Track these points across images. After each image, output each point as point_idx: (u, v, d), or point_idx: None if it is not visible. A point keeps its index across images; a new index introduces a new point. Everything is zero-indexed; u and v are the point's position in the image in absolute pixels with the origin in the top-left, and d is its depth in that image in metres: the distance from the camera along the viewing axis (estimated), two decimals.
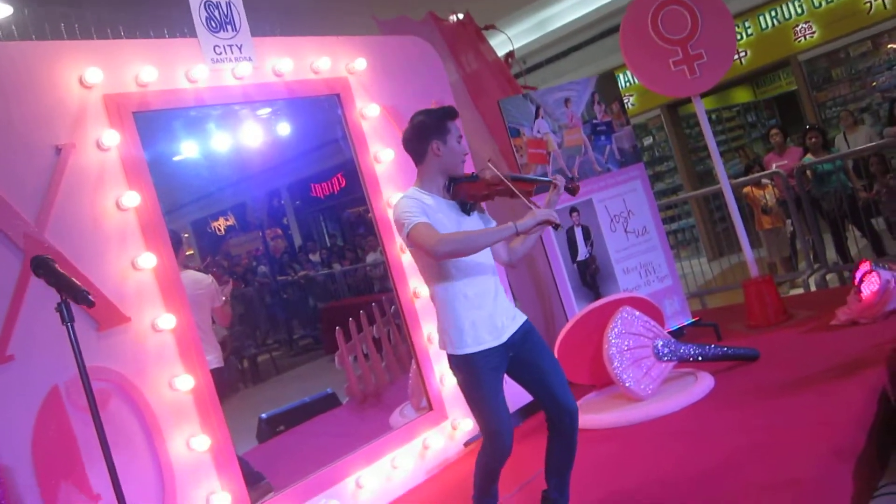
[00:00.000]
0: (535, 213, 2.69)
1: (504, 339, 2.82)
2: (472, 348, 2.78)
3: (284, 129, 5.03)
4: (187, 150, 5.28)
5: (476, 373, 2.79)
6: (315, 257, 9.44)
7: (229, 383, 6.97)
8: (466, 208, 2.91)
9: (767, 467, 3.05)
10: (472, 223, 2.90)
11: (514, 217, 2.76)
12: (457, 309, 2.80)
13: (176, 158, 5.58)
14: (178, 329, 3.34)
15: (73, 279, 2.34)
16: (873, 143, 6.72)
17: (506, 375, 2.91)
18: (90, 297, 2.26)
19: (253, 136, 4.98)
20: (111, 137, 3.26)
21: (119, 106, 3.33)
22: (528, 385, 2.92)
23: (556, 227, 2.69)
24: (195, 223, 10.35)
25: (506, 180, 2.83)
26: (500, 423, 2.82)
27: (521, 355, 2.87)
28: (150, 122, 3.73)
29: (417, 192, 2.87)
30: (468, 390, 2.85)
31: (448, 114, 2.92)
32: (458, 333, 2.79)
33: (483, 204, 3.01)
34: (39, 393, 2.92)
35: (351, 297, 8.40)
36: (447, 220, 2.81)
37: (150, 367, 3.24)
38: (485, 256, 2.88)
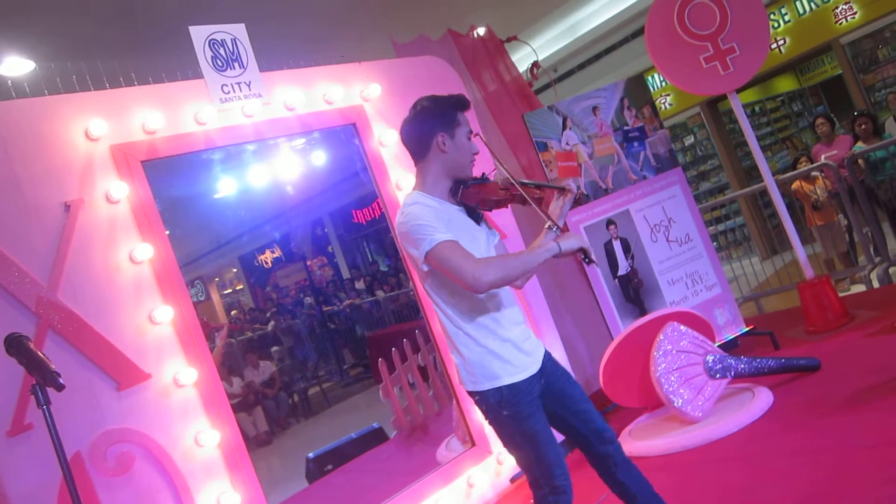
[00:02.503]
0: (580, 236, 2.34)
1: (539, 364, 2.45)
2: (515, 376, 2.35)
3: (320, 157, 4.98)
4: (227, 186, 5.27)
5: (525, 404, 2.35)
6: (360, 284, 9.37)
7: (279, 420, 6.95)
8: (477, 216, 2.50)
9: (836, 496, 2.77)
10: (482, 234, 2.50)
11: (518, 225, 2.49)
12: (489, 334, 2.38)
13: (217, 196, 5.59)
14: (202, 382, 3.22)
15: (45, 360, 2.17)
16: None
17: None
18: (60, 380, 2.12)
19: (290, 168, 4.95)
20: (120, 189, 3.18)
21: (126, 156, 3.25)
22: (559, 418, 2.46)
23: (589, 260, 2.36)
24: (242, 258, 10.44)
25: (517, 185, 2.46)
26: (559, 459, 2.38)
27: (550, 386, 2.46)
28: (186, 162, 3.66)
29: (424, 197, 2.41)
30: (518, 429, 2.36)
31: (458, 102, 2.47)
32: (493, 363, 2.36)
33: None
34: None
35: (397, 323, 8.30)
36: (463, 232, 2.39)
37: (175, 425, 3.14)
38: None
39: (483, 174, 2.56)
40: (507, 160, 5.18)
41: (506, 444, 2.45)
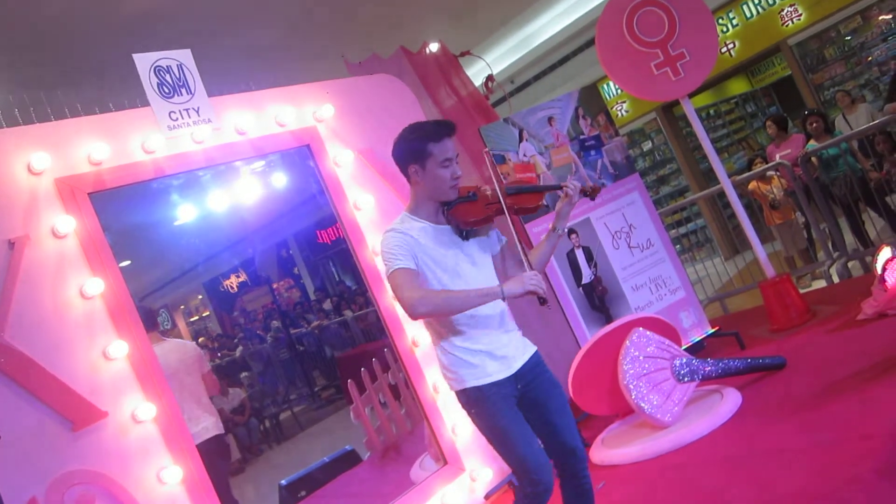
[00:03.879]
0: (524, 281, 2.40)
1: (514, 369, 2.56)
2: (479, 380, 2.51)
3: (280, 179, 4.94)
4: (186, 213, 5.18)
5: (489, 404, 2.51)
6: (328, 305, 9.27)
7: (251, 447, 6.83)
8: (462, 234, 2.60)
9: (809, 494, 2.77)
10: (470, 249, 2.60)
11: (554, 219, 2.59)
12: (459, 342, 2.53)
13: (177, 223, 5.48)
14: (161, 417, 3.13)
15: None
16: (876, 122, 6.44)
17: None
18: None
19: (251, 191, 4.90)
20: (67, 223, 3.09)
21: (72, 189, 3.16)
22: (535, 424, 2.60)
23: (542, 301, 2.43)
24: (207, 284, 10.27)
25: (502, 201, 2.51)
26: (531, 454, 2.49)
27: (528, 392, 2.59)
28: (142, 190, 3.59)
29: (408, 219, 2.57)
30: (487, 426, 2.55)
31: (431, 134, 2.53)
32: (462, 367, 2.52)
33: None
34: None
35: (366, 342, 8.23)
36: (440, 250, 2.52)
37: (135, 463, 3.04)
38: (488, 279, 2.59)
39: (470, 192, 2.61)
40: (468, 174, 5.17)
41: (487, 440, 2.60)
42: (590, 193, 2.68)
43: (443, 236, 2.57)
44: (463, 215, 2.55)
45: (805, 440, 3.23)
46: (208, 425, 4.16)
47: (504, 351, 2.56)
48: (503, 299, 2.46)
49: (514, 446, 2.50)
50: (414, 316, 2.40)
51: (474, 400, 2.53)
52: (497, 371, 2.53)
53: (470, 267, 2.57)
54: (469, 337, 2.53)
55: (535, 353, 2.67)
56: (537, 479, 2.47)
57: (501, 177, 2.58)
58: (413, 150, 2.54)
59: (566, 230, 2.63)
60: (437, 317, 2.52)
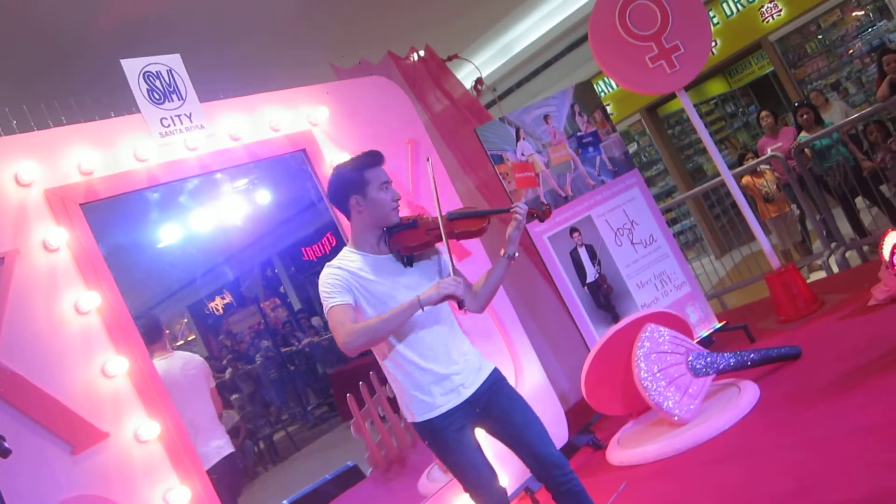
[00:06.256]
0: (440, 286, 2.41)
1: (465, 396, 2.54)
2: (428, 414, 2.52)
3: (264, 197, 4.84)
4: (170, 234, 5.05)
5: (440, 438, 2.54)
6: (317, 321, 9.13)
7: (247, 470, 6.64)
8: (404, 260, 2.58)
9: (834, 485, 2.67)
10: (413, 277, 2.57)
11: (504, 243, 2.57)
12: (405, 374, 2.53)
13: (160, 245, 5.33)
14: (166, 435, 2.97)
15: None
16: (867, 111, 6.44)
17: (485, 432, 2.64)
18: (5, 444, 1.89)
19: (235, 210, 4.80)
20: (58, 236, 2.94)
21: (63, 200, 3.01)
22: (504, 442, 2.63)
23: (460, 304, 2.46)
24: (192, 307, 10.09)
25: (440, 223, 2.52)
26: (482, 485, 2.56)
27: (491, 412, 2.58)
28: (128, 209, 3.48)
29: (348, 253, 2.58)
30: (440, 457, 2.60)
31: (364, 163, 2.59)
32: (411, 400, 2.54)
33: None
34: None
35: (359, 357, 8.05)
36: (381, 283, 2.51)
37: (140, 485, 2.88)
38: (429, 309, 2.51)
39: (411, 219, 2.64)
40: (461, 180, 5.06)
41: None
42: (539, 216, 2.61)
43: (383, 265, 2.56)
44: (404, 241, 2.56)
45: (827, 430, 3.14)
46: (222, 444, 3.97)
47: (454, 379, 2.54)
48: (421, 308, 2.41)
49: (467, 477, 2.56)
50: (351, 353, 2.40)
51: (427, 433, 2.56)
52: (447, 401, 2.52)
53: (408, 293, 2.51)
54: (415, 369, 2.52)
55: (492, 371, 2.65)
56: (487, 500, 2.57)
57: (441, 210, 2.59)
58: (350, 180, 2.56)
59: (516, 254, 2.57)
60: (375, 346, 2.53)
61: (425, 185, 4.21)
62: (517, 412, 2.59)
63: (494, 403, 2.58)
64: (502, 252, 2.63)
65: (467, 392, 2.54)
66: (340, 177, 2.59)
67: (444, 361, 2.53)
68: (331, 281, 2.49)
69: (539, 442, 2.56)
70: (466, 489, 2.59)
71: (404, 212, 2.82)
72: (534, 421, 2.60)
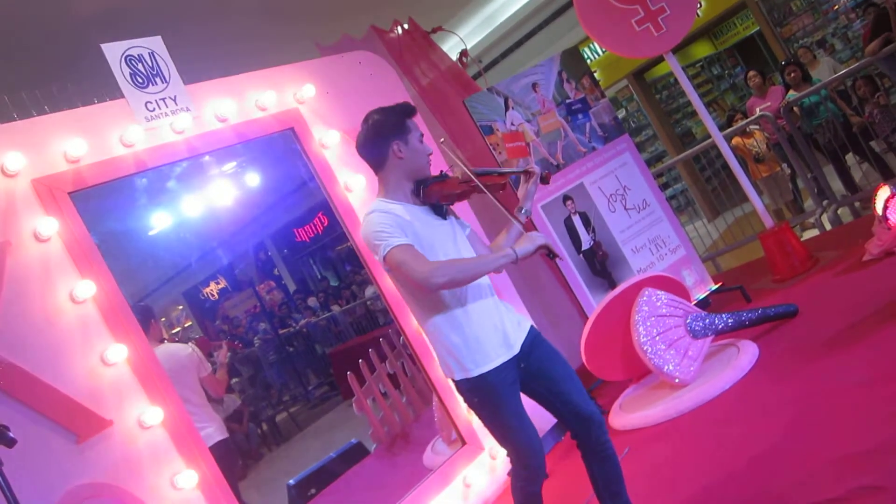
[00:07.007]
0: (533, 238, 2.40)
1: (516, 349, 2.50)
2: (484, 367, 2.43)
3: (254, 179, 4.81)
4: (161, 221, 5.02)
5: (494, 394, 2.45)
6: (313, 302, 9.13)
7: (252, 452, 6.67)
8: (442, 211, 2.57)
9: (838, 440, 2.69)
10: (449, 228, 2.56)
11: (491, 218, 2.49)
12: (458, 327, 2.45)
13: (152, 233, 5.30)
14: (169, 420, 2.97)
15: None
16: (854, 66, 6.41)
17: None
18: (10, 434, 1.88)
19: (224, 194, 4.77)
20: (49, 225, 2.91)
21: (51, 189, 2.98)
22: (542, 398, 2.57)
23: (552, 255, 2.42)
24: (187, 293, 10.05)
25: (475, 178, 2.50)
26: (530, 442, 2.50)
27: (531, 366, 2.53)
28: (118, 198, 3.44)
29: (384, 203, 2.50)
30: (488, 415, 2.52)
31: (406, 111, 2.56)
32: (464, 354, 2.44)
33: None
34: None
35: (357, 335, 8.12)
36: (425, 229, 2.46)
37: (146, 470, 2.88)
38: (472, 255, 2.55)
39: (442, 172, 2.64)
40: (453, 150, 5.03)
41: (483, 424, 2.58)
42: (546, 179, 2.64)
43: (422, 215, 2.52)
44: (441, 190, 2.54)
45: (829, 385, 3.15)
46: (210, 431, 3.98)
47: (498, 335, 2.48)
48: (516, 260, 2.39)
49: (517, 435, 2.50)
50: (433, 287, 2.33)
51: (480, 388, 2.46)
52: (499, 353, 2.46)
53: (452, 244, 2.53)
54: (462, 321, 2.45)
55: (532, 326, 2.63)
56: (532, 465, 2.51)
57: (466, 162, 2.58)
58: (395, 125, 2.52)
59: (530, 211, 2.58)
60: (455, 286, 2.41)
61: None
62: (558, 366, 2.56)
63: (534, 357, 2.53)
64: (518, 207, 2.61)
65: (516, 346, 2.50)
66: (382, 121, 2.53)
67: (495, 316, 2.50)
68: (384, 221, 2.39)
69: (581, 398, 2.53)
70: (513, 448, 2.52)
71: None
72: (574, 377, 2.57)
